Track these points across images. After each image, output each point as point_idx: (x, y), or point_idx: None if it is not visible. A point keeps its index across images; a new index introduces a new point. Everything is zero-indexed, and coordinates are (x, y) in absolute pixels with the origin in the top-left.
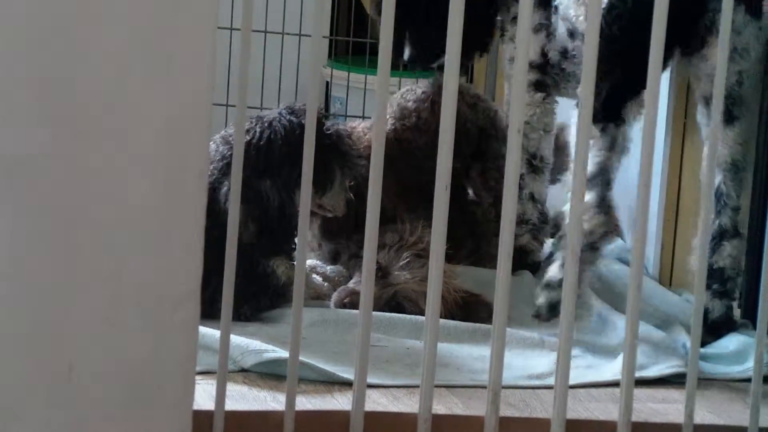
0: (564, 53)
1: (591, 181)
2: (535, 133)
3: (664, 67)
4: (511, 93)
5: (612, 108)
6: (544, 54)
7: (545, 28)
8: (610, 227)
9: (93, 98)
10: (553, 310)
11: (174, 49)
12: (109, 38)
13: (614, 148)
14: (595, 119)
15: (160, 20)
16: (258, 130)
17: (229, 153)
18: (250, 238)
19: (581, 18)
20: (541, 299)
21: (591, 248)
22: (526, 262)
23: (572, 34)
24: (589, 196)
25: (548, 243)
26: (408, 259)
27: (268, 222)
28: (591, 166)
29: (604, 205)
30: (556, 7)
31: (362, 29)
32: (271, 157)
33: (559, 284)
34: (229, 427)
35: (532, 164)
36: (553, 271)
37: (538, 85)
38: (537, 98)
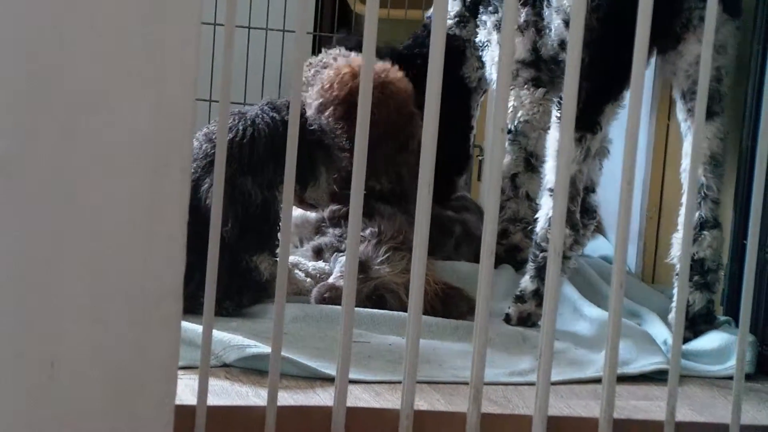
0: (562, 45)
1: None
2: (535, 132)
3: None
4: (496, 92)
5: (589, 115)
6: (535, 50)
7: (533, 24)
8: (577, 237)
9: (76, 95)
10: (522, 322)
11: (158, 45)
12: (93, 35)
13: (587, 159)
14: (575, 125)
15: (145, 17)
16: (240, 127)
17: (211, 150)
18: (233, 236)
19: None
20: (512, 310)
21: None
22: (518, 260)
23: (568, 24)
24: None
25: None
26: (387, 254)
27: (251, 219)
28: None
29: (572, 218)
30: (549, 1)
31: (346, 25)
32: (253, 154)
33: (530, 296)
34: (212, 422)
35: (530, 163)
36: (524, 283)
37: (535, 82)
38: (538, 96)
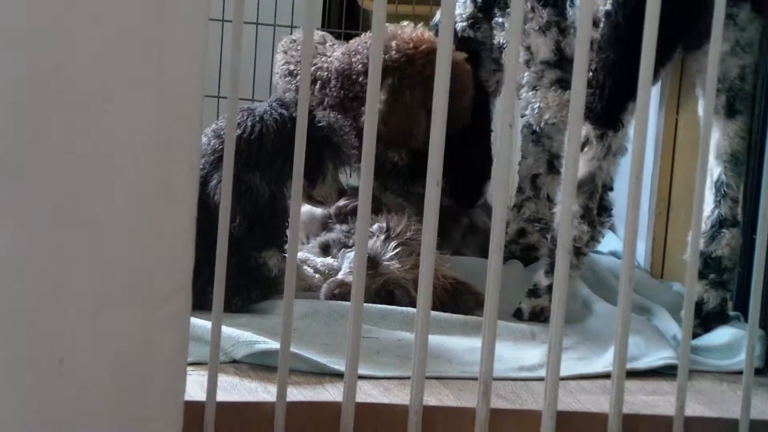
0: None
1: (579, 189)
2: (561, 134)
3: (668, 63)
4: (504, 88)
5: (612, 112)
6: (559, 50)
7: (555, 24)
8: (594, 234)
9: (81, 91)
10: (535, 317)
11: (165, 41)
12: (95, 33)
13: (607, 156)
14: (597, 122)
15: (151, 12)
16: (249, 123)
17: (220, 147)
18: (240, 231)
19: (600, 6)
20: (525, 305)
21: (576, 253)
22: (532, 258)
23: (595, 22)
24: (577, 204)
25: None
26: (396, 249)
27: (259, 215)
28: (583, 172)
29: (587, 216)
30: (572, 0)
31: (354, 21)
32: (262, 151)
33: (544, 291)
34: (221, 418)
35: (552, 165)
36: (538, 278)
37: (561, 83)
38: (564, 98)
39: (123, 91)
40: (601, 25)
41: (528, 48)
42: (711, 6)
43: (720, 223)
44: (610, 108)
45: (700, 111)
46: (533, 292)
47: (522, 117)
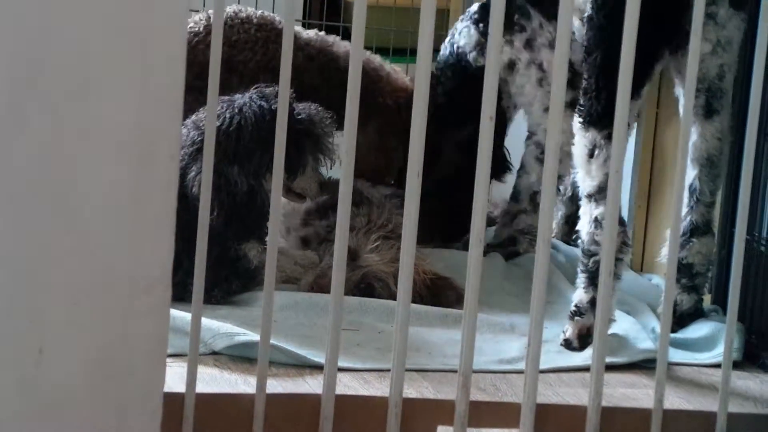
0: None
1: (600, 194)
2: (569, 158)
3: (655, 67)
4: (485, 81)
5: (613, 113)
6: (570, 65)
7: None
8: (625, 237)
9: (62, 81)
10: (583, 341)
11: (146, 31)
12: (77, 25)
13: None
14: (600, 125)
15: (130, 5)
16: (228, 115)
17: (199, 138)
18: (218, 224)
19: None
20: (569, 329)
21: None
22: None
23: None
24: (601, 210)
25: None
26: (377, 242)
27: (236, 207)
28: (600, 178)
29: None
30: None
31: (335, 13)
32: (240, 143)
33: (587, 308)
34: (200, 409)
35: (558, 189)
36: (577, 296)
37: (572, 105)
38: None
39: (104, 81)
40: (584, 29)
41: (540, 66)
42: (692, 5)
43: (691, 231)
44: (610, 108)
45: (681, 110)
46: (576, 313)
47: (532, 136)
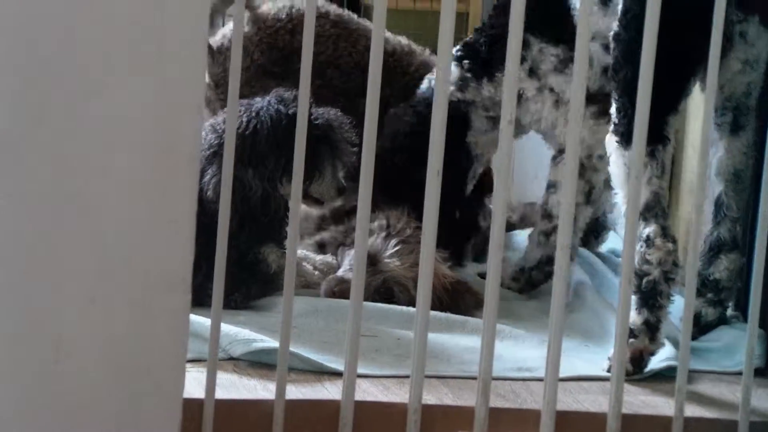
0: (606, 72)
1: (649, 212)
2: (604, 167)
3: (692, 81)
4: (504, 85)
5: (656, 128)
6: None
7: (572, 60)
8: (676, 256)
9: (79, 78)
10: (637, 364)
11: (166, 28)
12: (95, 21)
13: (664, 174)
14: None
15: (151, 4)
16: (245, 119)
17: (215, 142)
18: (232, 228)
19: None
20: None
21: (665, 279)
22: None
23: (607, 48)
24: (651, 228)
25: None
26: (397, 247)
27: (250, 211)
28: (647, 196)
29: (668, 234)
30: None
31: (356, 11)
32: (256, 147)
33: (640, 330)
34: (219, 415)
35: (590, 197)
36: (631, 319)
37: (598, 115)
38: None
39: (122, 78)
40: (612, 47)
41: (551, 89)
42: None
43: (719, 247)
44: (653, 124)
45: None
46: (630, 335)
47: (561, 154)
